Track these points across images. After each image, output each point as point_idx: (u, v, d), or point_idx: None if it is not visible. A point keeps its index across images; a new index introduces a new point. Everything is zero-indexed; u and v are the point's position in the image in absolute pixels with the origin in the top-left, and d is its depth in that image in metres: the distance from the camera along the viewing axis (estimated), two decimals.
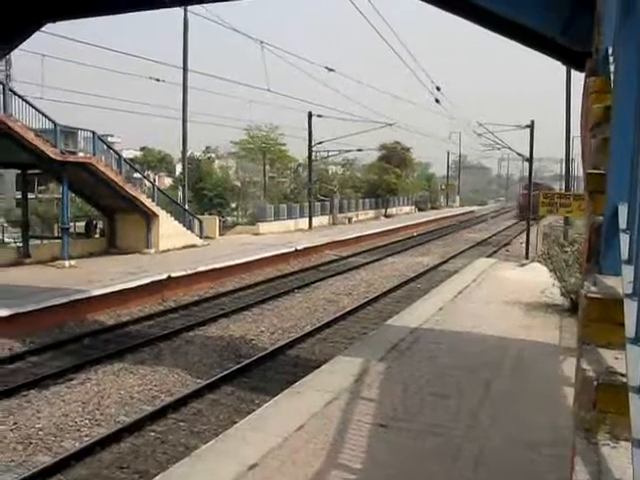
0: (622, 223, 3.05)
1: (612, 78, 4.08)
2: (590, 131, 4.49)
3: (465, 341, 16.50)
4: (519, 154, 49.26)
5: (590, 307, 2.75)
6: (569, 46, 12.34)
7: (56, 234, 36.54)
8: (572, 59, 13.92)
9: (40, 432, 13.92)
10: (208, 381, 17.07)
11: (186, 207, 43.79)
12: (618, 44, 3.80)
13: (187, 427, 14.50)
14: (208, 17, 45.68)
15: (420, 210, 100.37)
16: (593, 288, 2.87)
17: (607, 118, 3.91)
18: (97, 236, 39.05)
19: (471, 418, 11.10)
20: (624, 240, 2.88)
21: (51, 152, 29.19)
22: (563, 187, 42.77)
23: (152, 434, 14.05)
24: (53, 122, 30.39)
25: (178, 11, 36.59)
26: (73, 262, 31.44)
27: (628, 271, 2.61)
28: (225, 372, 17.82)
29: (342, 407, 11.47)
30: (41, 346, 20.22)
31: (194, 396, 16.13)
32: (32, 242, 34.54)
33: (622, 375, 2.34)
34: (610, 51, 4.72)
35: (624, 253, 2.83)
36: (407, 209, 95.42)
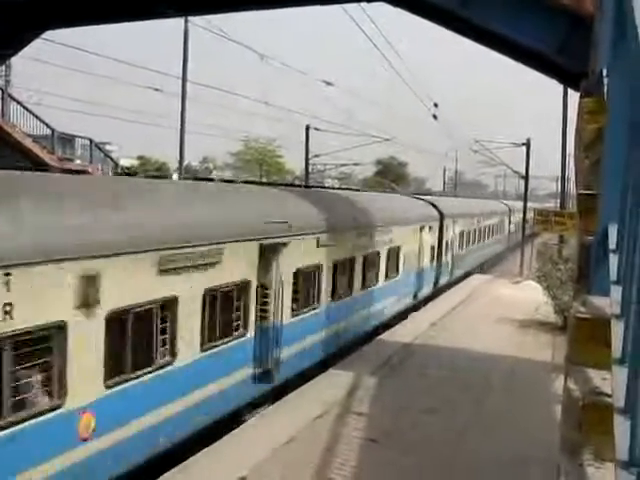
0: (612, 244, 3.06)
1: (606, 99, 4.11)
2: (583, 151, 4.52)
3: (457, 357, 16.47)
4: (515, 171, 49.31)
5: (578, 327, 2.75)
6: (565, 65, 12.42)
7: None
8: (569, 78, 14.00)
9: None
10: None
11: None
12: (612, 66, 3.83)
13: None
14: (209, 28, 45.60)
15: None
16: (582, 308, 2.87)
17: (600, 139, 3.93)
18: None
19: (462, 433, 11.07)
20: (613, 261, 2.89)
21: (48, 159, 29.12)
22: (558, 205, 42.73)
23: None
24: (51, 129, 30.35)
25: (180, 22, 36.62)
26: None
27: (616, 292, 2.62)
28: None
29: (333, 420, 11.44)
30: None
31: None
32: None
33: (608, 396, 2.34)
34: (605, 72, 4.75)
35: (613, 274, 2.83)
36: None
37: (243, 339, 11.41)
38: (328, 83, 45.45)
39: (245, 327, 11.43)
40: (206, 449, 10.01)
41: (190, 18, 31.93)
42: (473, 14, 12.58)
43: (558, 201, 44.15)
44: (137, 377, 8.69)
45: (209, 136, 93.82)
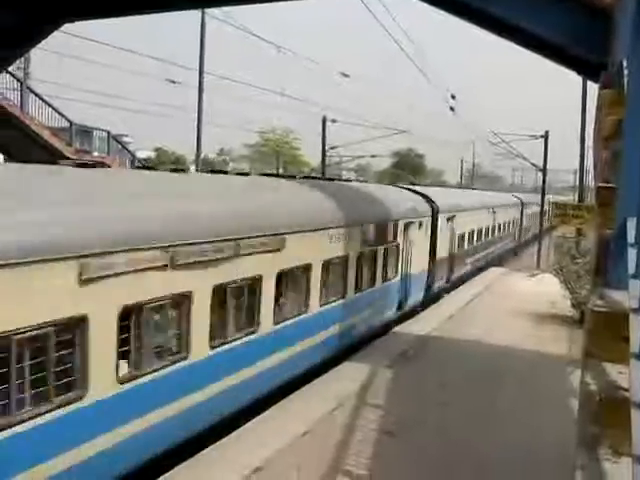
0: (630, 237, 3.03)
1: (625, 91, 4.07)
2: (602, 144, 4.48)
3: (474, 350, 16.42)
4: (533, 164, 48.91)
5: (595, 321, 2.73)
6: (584, 56, 12.29)
7: None
8: (587, 70, 13.87)
9: None
10: None
11: None
12: (632, 58, 3.79)
13: None
14: (225, 20, 45.63)
15: None
16: (599, 302, 2.85)
17: (619, 131, 3.89)
18: None
19: (477, 426, 11.05)
20: (632, 255, 2.87)
21: (66, 150, 29.27)
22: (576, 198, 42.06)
23: None
24: (69, 121, 30.50)
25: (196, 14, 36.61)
26: None
27: (634, 286, 2.60)
28: None
29: (349, 413, 11.45)
30: None
31: None
32: None
33: (625, 390, 2.33)
34: (625, 64, 4.70)
35: (631, 267, 2.81)
36: None
37: None
38: (345, 75, 45.35)
39: None
40: (223, 440, 10.04)
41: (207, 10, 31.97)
42: (488, 5, 12.48)
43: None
44: None
45: (225, 127, 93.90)
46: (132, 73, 66.31)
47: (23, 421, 6.84)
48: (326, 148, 52.58)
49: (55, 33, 18.24)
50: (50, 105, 29.70)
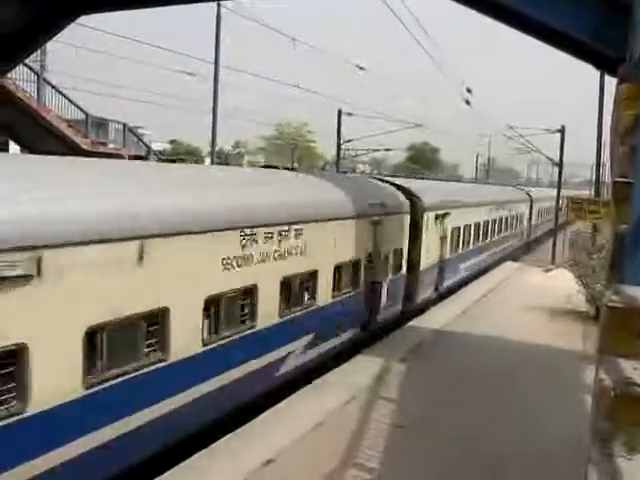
0: None
1: None
2: (620, 138, 4.44)
3: (487, 345, 16.38)
4: (549, 158, 48.49)
5: (610, 316, 2.71)
6: (601, 50, 12.18)
7: None
8: (605, 64, 13.74)
9: None
10: None
11: None
12: None
13: None
14: (240, 12, 45.29)
15: None
16: (614, 297, 2.83)
17: (637, 126, 3.86)
18: None
19: (490, 422, 11.03)
20: None
21: (82, 142, 29.39)
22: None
23: None
24: (85, 113, 30.60)
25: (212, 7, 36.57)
26: None
27: None
28: None
29: (361, 406, 11.46)
30: None
31: None
32: None
33: None
34: None
35: None
36: None
37: None
38: (361, 68, 45.21)
39: None
40: (234, 432, 10.08)
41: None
42: None
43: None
44: None
45: (240, 120, 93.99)
46: (148, 65, 66.44)
47: None
48: (341, 141, 52.38)
49: (72, 25, 18.32)
50: (66, 97, 29.82)
